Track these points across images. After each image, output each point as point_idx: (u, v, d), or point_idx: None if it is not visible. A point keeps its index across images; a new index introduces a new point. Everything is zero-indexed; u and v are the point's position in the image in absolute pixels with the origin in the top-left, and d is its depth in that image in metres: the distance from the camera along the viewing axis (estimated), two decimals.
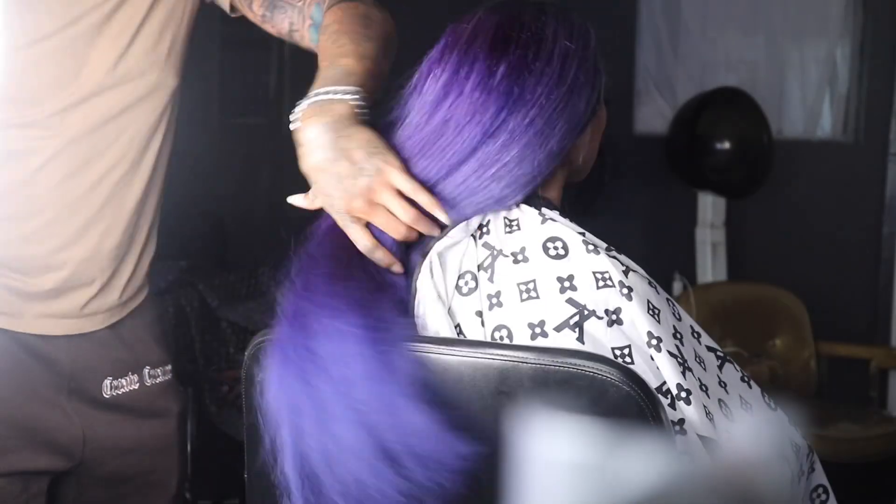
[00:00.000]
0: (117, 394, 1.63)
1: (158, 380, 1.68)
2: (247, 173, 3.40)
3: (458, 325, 1.13)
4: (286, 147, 3.97)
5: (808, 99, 4.44)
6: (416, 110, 1.17)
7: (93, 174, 1.52)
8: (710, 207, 4.00)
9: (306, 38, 1.52)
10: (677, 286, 3.77)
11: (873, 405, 3.50)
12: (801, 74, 4.41)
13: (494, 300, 1.12)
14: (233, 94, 3.54)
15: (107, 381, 1.62)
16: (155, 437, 1.68)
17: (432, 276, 1.13)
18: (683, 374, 1.06)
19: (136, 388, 1.65)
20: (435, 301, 1.12)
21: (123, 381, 1.64)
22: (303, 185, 4.01)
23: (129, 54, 1.51)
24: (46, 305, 1.55)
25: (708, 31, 4.21)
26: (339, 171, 1.18)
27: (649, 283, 1.12)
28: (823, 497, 1.18)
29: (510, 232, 1.15)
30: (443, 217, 1.14)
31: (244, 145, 3.42)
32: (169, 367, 1.70)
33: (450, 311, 1.13)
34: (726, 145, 3.98)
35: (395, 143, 1.18)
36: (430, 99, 1.16)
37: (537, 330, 1.09)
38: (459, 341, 1.10)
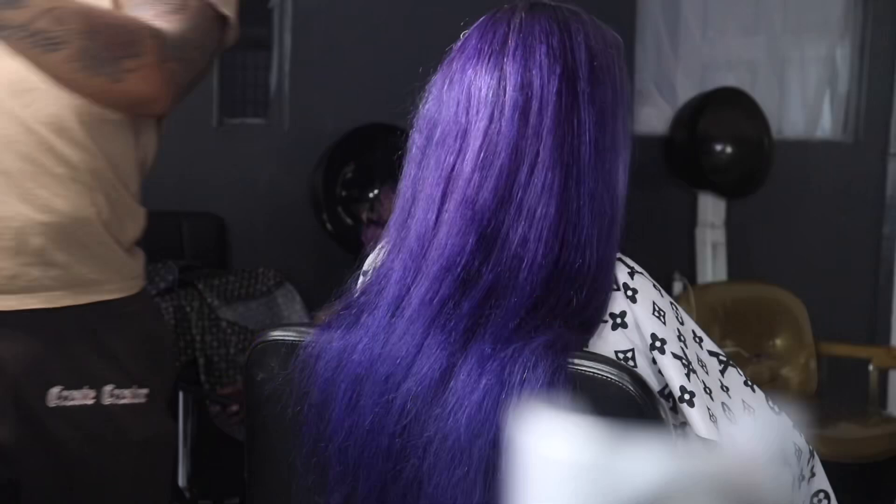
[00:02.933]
0: (64, 405, 1.43)
1: (123, 401, 1.46)
2: (247, 173, 3.40)
3: None
4: (286, 147, 3.98)
5: (808, 99, 4.44)
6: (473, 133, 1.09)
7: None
8: (710, 207, 4.00)
9: None
10: (677, 286, 3.77)
11: (873, 405, 3.50)
12: (801, 74, 4.41)
13: None
14: (233, 94, 3.54)
15: (55, 389, 1.42)
16: (103, 464, 1.47)
17: None
18: (688, 376, 1.06)
19: (90, 404, 1.44)
20: None
21: (76, 393, 1.43)
22: (301, 186, 4.02)
23: None
24: None
25: (708, 31, 4.21)
26: None
27: (654, 285, 1.12)
28: (825, 502, 1.18)
29: None
30: None
31: (244, 145, 3.42)
32: (143, 391, 1.48)
33: None
34: (726, 145, 3.98)
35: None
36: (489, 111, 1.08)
37: None
38: None
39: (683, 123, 3.92)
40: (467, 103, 1.09)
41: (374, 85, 3.42)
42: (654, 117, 4.07)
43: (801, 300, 3.60)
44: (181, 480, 2.83)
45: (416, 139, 1.13)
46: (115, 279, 1.47)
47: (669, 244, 4.03)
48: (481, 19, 1.14)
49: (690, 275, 3.90)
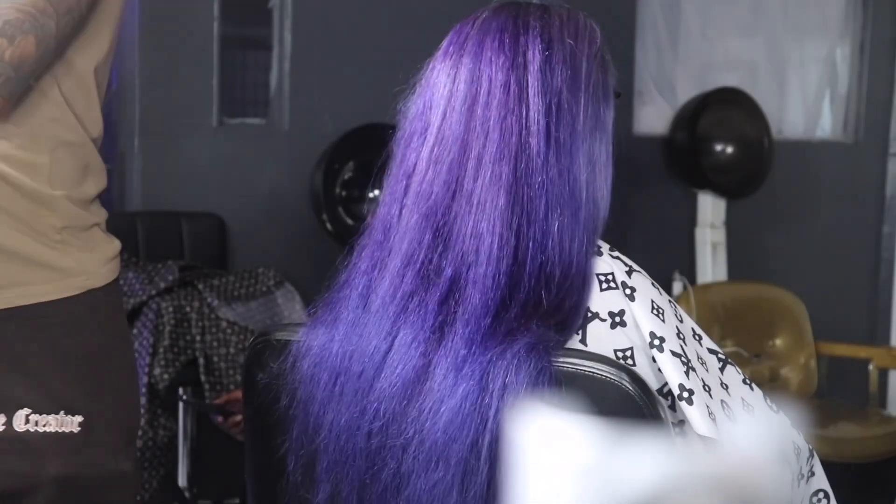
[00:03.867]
0: None
1: (41, 429, 1.21)
2: (247, 173, 3.40)
3: None
4: (286, 147, 3.98)
5: (808, 99, 4.44)
6: (435, 125, 1.11)
7: None
8: (710, 207, 4.00)
9: None
10: (677, 286, 3.77)
11: (873, 405, 3.50)
12: (801, 74, 4.41)
13: None
14: (233, 94, 3.54)
15: None
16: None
17: None
18: (686, 373, 1.06)
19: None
20: None
21: None
22: (301, 186, 4.03)
23: None
24: None
25: (708, 31, 4.21)
26: None
27: (652, 283, 1.12)
28: (824, 502, 1.18)
29: None
30: None
31: (244, 145, 3.42)
32: (76, 419, 1.23)
33: None
34: (726, 145, 3.98)
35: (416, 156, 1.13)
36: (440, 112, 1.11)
37: None
38: None
39: (683, 123, 3.92)
40: (430, 102, 1.12)
41: (374, 85, 3.41)
42: (654, 117, 4.07)
43: (801, 300, 3.60)
44: (181, 480, 2.83)
45: (396, 139, 1.17)
46: (35, 280, 1.22)
47: (669, 244, 4.03)
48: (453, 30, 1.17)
49: (690, 275, 3.90)
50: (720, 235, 4.01)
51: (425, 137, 1.11)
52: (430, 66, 1.15)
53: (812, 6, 4.35)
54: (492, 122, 1.08)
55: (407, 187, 1.11)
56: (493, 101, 1.08)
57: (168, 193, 3.28)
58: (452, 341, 1.04)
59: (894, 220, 4.46)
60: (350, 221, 3.37)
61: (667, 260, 3.89)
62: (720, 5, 4.21)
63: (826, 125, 4.50)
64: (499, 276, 1.05)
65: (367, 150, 3.32)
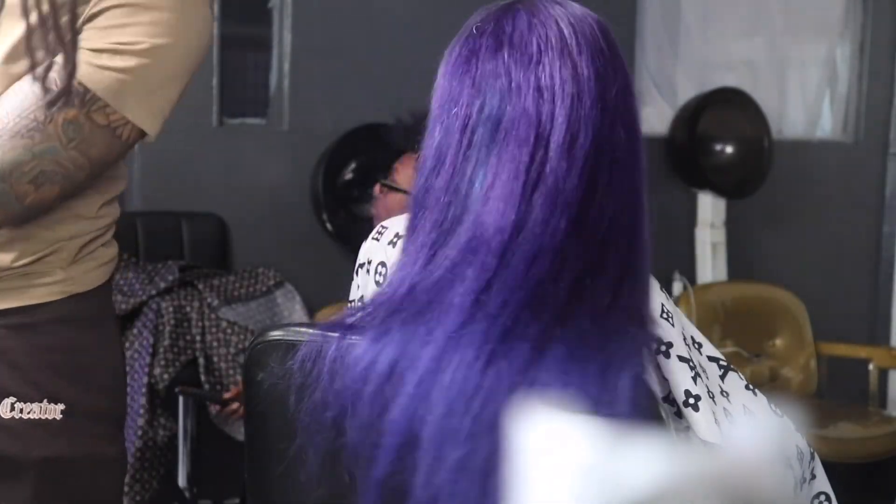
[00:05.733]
0: None
1: (25, 416, 1.31)
2: (247, 173, 3.40)
3: None
4: (286, 147, 3.97)
5: (808, 99, 4.44)
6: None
7: None
8: (710, 207, 4.00)
9: None
10: (677, 286, 3.77)
11: (873, 405, 3.50)
12: (801, 74, 4.41)
13: None
14: (233, 94, 3.54)
15: None
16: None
17: None
18: (694, 379, 1.06)
19: None
20: None
21: None
22: (301, 186, 4.02)
23: None
24: None
25: (708, 31, 4.21)
26: None
27: (660, 287, 1.12)
28: None
29: None
30: None
31: (244, 145, 3.42)
32: (58, 406, 1.32)
33: None
34: (726, 145, 3.98)
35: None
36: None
37: None
38: None
39: (683, 123, 3.92)
40: (539, 96, 1.07)
41: (374, 85, 3.42)
42: (654, 117, 4.07)
43: (801, 300, 3.60)
44: (181, 480, 2.83)
45: (479, 134, 1.08)
46: (20, 286, 1.32)
47: (669, 244, 4.03)
48: (506, 14, 1.10)
49: (690, 275, 3.90)
50: (720, 235, 4.01)
51: (540, 132, 1.07)
52: (474, 70, 1.08)
53: (812, 6, 4.35)
54: (609, 109, 1.16)
55: (530, 185, 1.05)
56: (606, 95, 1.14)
57: (168, 193, 3.28)
58: (468, 339, 1.02)
59: (894, 220, 4.46)
60: (350, 222, 3.37)
61: (667, 260, 3.89)
62: (720, 5, 4.21)
63: (826, 125, 4.50)
64: (528, 295, 1.01)
65: (367, 150, 3.32)
